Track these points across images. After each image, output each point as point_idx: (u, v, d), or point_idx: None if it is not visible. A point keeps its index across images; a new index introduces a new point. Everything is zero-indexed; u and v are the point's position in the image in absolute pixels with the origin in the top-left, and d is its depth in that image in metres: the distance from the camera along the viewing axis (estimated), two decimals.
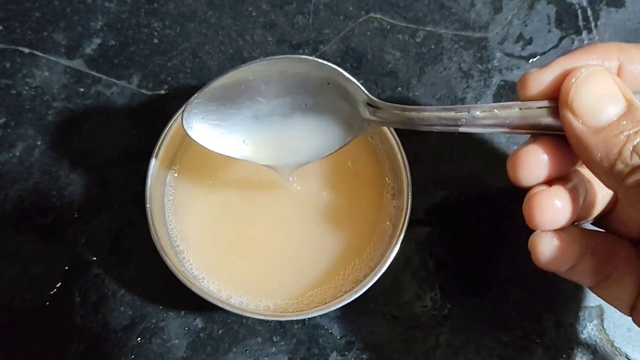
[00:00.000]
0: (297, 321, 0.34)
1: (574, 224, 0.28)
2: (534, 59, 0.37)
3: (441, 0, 0.37)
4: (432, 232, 0.35)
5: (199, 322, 0.34)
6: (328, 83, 0.28)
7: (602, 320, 0.34)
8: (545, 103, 0.24)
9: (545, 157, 0.25)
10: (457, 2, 0.37)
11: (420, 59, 0.37)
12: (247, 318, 0.33)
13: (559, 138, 0.25)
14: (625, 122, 0.22)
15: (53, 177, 0.35)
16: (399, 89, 0.37)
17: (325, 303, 0.31)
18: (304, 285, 0.32)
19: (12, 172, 0.35)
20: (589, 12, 0.38)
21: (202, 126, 0.28)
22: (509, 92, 0.37)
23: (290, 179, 0.32)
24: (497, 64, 0.37)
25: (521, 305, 0.34)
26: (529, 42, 0.37)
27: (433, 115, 0.26)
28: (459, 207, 0.35)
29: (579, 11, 0.38)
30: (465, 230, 0.35)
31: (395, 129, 0.31)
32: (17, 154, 0.35)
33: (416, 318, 0.34)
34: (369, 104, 0.27)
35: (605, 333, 0.34)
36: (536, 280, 0.35)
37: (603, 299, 0.29)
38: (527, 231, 0.36)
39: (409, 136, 0.35)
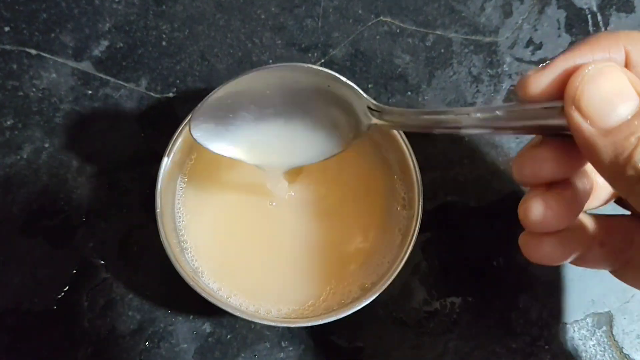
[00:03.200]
0: (306, 326, 0.34)
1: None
2: (544, 64, 0.37)
3: (451, 4, 0.37)
4: (441, 237, 0.35)
5: (207, 327, 0.34)
6: (328, 86, 0.28)
7: (612, 326, 0.34)
8: (550, 104, 0.22)
9: (550, 158, 0.24)
10: (467, 6, 0.37)
11: (430, 63, 0.37)
12: (256, 323, 0.33)
13: (566, 138, 0.23)
14: (637, 123, 0.20)
15: (61, 180, 0.35)
16: (409, 93, 0.37)
17: (333, 309, 0.31)
18: (311, 291, 0.32)
19: (20, 174, 0.35)
20: (599, 17, 0.38)
21: (207, 131, 0.29)
22: (518, 97, 0.36)
23: (285, 193, 0.32)
24: (507, 69, 0.37)
25: (529, 311, 0.34)
26: (539, 47, 0.37)
27: (433, 119, 0.25)
28: (468, 212, 0.35)
29: (589, 16, 0.38)
30: (474, 235, 0.35)
31: (407, 136, 0.31)
32: (25, 156, 0.35)
33: (425, 324, 0.34)
34: (370, 108, 0.27)
35: (614, 340, 0.34)
36: (545, 286, 0.35)
37: (625, 283, 0.28)
38: None
39: (419, 141, 0.35)
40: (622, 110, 0.20)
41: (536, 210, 0.24)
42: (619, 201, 0.29)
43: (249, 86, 0.28)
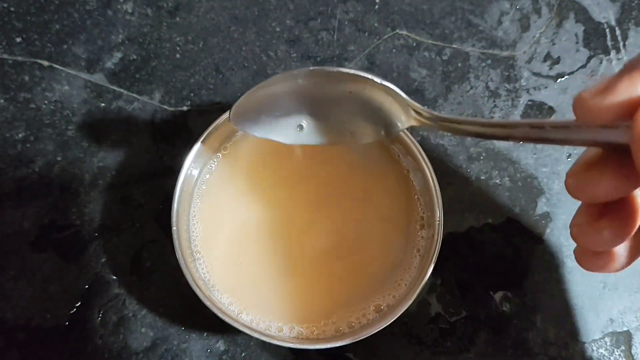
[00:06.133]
0: None
1: None
2: (562, 79, 0.37)
3: (468, 18, 0.37)
4: (459, 255, 0.35)
5: (221, 345, 0.33)
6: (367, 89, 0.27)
7: (630, 346, 0.34)
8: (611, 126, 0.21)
9: (607, 176, 0.23)
10: (484, 19, 0.37)
11: (446, 77, 0.36)
12: None
13: (623, 153, 0.21)
14: None
15: (73, 194, 0.35)
16: (425, 107, 0.36)
17: (347, 330, 0.30)
18: (326, 311, 0.31)
19: (31, 188, 0.34)
20: (617, 32, 0.37)
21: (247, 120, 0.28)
22: (537, 112, 0.36)
23: None
24: (524, 84, 0.36)
25: (547, 331, 0.34)
26: (557, 61, 0.37)
27: (482, 130, 0.24)
28: (486, 230, 0.35)
29: (607, 30, 0.37)
30: (492, 254, 0.35)
31: (427, 153, 0.30)
32: (37, 169, 0.35)
33: (442, 342, 0.34)
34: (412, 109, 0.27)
35: (633, 359, 0.34)
36: (562, 305, 0.34)
37: None
38: (554, 257, 0.35)
39: (439, 157, 0.35)
40: None
41: (589, 237, 0.24)
42: None
43: (290, 84, 0.27)
